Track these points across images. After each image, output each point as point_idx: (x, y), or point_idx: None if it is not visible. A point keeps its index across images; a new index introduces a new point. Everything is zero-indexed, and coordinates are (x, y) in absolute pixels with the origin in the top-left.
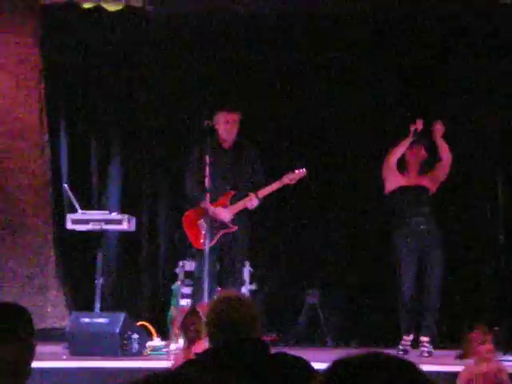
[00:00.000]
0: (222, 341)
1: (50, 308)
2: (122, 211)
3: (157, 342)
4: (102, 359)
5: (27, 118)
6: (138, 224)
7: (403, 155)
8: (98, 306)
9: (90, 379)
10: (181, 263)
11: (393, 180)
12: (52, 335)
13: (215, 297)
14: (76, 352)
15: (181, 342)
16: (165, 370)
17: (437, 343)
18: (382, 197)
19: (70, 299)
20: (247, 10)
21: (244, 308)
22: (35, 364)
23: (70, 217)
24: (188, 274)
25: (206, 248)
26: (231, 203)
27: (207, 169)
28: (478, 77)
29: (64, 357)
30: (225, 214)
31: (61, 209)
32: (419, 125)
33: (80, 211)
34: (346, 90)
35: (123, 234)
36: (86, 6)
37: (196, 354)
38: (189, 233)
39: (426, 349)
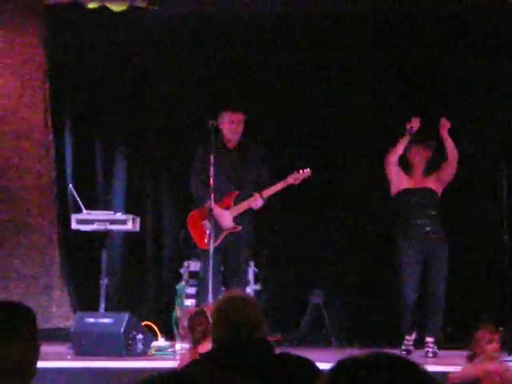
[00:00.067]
0: (226, 341)
1: (55, 308)
2: (127, 211)
3: (161, 342)
4: (106, 359)
5: (32, 118)
6: (143, 224)
7: (407, 157)
8: (102, 306)
9: (95, 379)
10: (185, 263)
11: (397, 182)
12: (57, 335)
13: (220, 297)
14: (81, 352)
15: (186, 342)
16: (170, 370)
17: (441, 344)
18: (386, 198)
19: (75, 299)
20: (247, 9)
21: (248, 308)
22: (40, 364)
23: (74, 217)
24: (193, 274)
25: (211, 248)
26: (235, 203)
27: (212, 169)
28: (478, 77)
29: (69, 357)
30: (227, 220)
31: (65, 209)
32: (414, 123)
33: (85, 211)
34: (347, 89)
35: (128, 234)
36: (91, 6)
37: (201, 354)
38: (193, 233)
39: (430, 349)
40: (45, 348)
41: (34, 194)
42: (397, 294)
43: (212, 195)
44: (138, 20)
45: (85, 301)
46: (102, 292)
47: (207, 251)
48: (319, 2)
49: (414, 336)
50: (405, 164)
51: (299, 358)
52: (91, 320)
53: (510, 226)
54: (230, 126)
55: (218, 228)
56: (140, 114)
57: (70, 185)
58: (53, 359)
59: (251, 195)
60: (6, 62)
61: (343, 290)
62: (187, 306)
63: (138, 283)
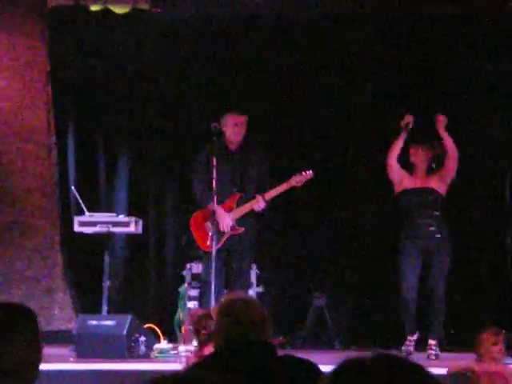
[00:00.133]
0: (229, 343)
1: (58, 310)
2: (130, 213)
3: (164, 344)
4: (109, 361)
5: (34, 120)
6: (145, 226)
7: (409, 157)
8: (105, 308)
9: (97, 381)
10: (188, 265)
11: (399, 181)
12: (59, 337)
13: (222, 299)
14: (83, 354)
15: (188, 344)
16: (173, 372)
17: (444, 346)
18: (387, 198)
19: (77, 301)
20: (247, 10)
21: (251, 310)
22: (42, 366)
23: (77, 219)
24: (195, 277)
25: (213, 250)
26: (238, 205)
27: (214, 171)
28: (478, 77)
29: (71, 359)
30: (226, 222)
31: (68, 211)
32: (407, 119)
33: (87, 213)
34: (347, 90)
35: (130, 237)
36: (94, 8)
37: (203, 357)
38: (196, 235)
39: (433, 352)
40: (47, 350)
41: (36, 195)
42: (398, 295)
43: (215, 197)
44: (141, 22)
45: (87, 303)
46: (105, 294)
47: (210, 253)
48: (319, 2)
49: (416, 337)
50: (408, 164)
51: (302, 360)
52: (94, 322)
53: None
54: (234, 129)
55: (220, 230)
56: (142, 115)
57: (73, 187)
58: (55, 361)
59: (253, 197)
60: (8, 63)
61: (346, 292)
62: (190, 309)
63: (140, 285)
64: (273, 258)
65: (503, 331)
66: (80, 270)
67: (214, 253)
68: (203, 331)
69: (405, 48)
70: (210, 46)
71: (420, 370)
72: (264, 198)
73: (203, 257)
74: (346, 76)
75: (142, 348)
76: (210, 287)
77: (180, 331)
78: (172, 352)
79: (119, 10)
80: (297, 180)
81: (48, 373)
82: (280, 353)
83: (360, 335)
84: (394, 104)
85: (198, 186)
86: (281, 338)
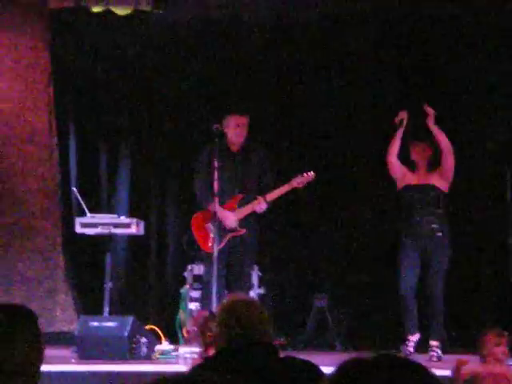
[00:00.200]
0: (230, 344)
1: (59, 311)
2: (131, 215)
3: (165, 345)
4: (110, 363)
5: (36, 122)
6: (147, 228)
7: (410, 154)
8: (106, 309)
9: (99, 383)
10: (189, 267)
11: (401, 178)
12: (61, 339)
13: (224, 300)
14: (85, 356)
15: (190, 345)
16: (174, 373)
17: (446, 348)
18: (388, 199)
19: (79, 303)
20: (247, 10)
21: (252, 312)
22: (44, 368)
23: (78, 220)
24: (197, 278)
25: (215, 251)
26: (239, 206)
27: (215, 172)
28: (478, 77)
29: (73, 360)
30: (231, 219)
31: (70, 212)
32: (401, 115)
33: (89, 215)
34: (347, 90)
35: (132, 238)
36: (95, 9)
37: (205, 358)
38: (197, 236)
39: (435, 353)
40: (49, 352)
41: (38, 197)
42: (397, 295)
43: (216, 198)
44: (142, 23)
45: (89, 304)
46: (106, 295)
47: (211, 254)
48: (319, 2)
49: (417, 337)
50: (409, 162)
51: (303, 361)
52: (95, 324)
53: None
54: (236, 130)
55: (221, 231)
56: (144, 117)
57: (74, 188)
58: (57, 363)
59: (255, 198)
60: (10, 65)
61: (347, 293)
62: (191, 310)
63: (141, 287)
64: (274, 259)
65: (506, 332)
66: (81, 271)
67: (215, 254)
68: (208, 333)
69: (405, 48)
70: (211, 46)
71: (421, 370)
72: (265, 200)
73: (204, 258)
74: (345, 76)
75: (144, 349)
76: (212, 288)
77: (181, 332)
78: (173, 353)
79: (121, 11)
80: (298, 181)
81: (49, 374)
82: (281, 354)
83: (362, 337)
84: (394, 104)
85: (200, 187)
86: (282, 340)
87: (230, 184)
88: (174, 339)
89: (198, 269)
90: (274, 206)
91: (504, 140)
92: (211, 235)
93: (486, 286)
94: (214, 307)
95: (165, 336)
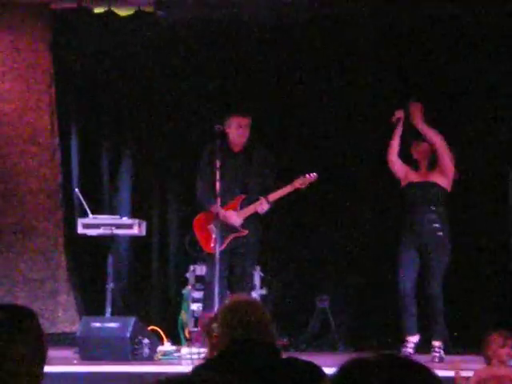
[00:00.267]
0: (232, 345)
1: (61, 312)
2: (133, 215)
3: (167, 346)
4: (112, 364)
5: (38, 122)
6: (149, 228)
7: (411, 153)
8: (108, 310)
9: None
10: (191, 267)
11: (404, 176)
12: (63, 340)
13: (226, 301)
14: (87, 356)
15: (193, 346)
16: (176, 374)
17: (448, 348)
18: (390, 199)
19: (81, 303)
20: (248, 10)
21: (254, 312)
22: (46, 369)
23: (80, 221)
24: (199, 279)
25: (217, 252)
26: (241, 207)
27: (218, 173)
28: (478, 77)
29: (75, 361)
30: (235, 218)
31: (72, 213)
32: (398, 114)
33: (91, 215)
34: (348, 90)
35: (134, 239)
36: (97, 10)
37: (207, 359)
38: (199, 236)
39: (437, 354)
40: (51, 352)
41: (40, 197)
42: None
43: (218, 199)
44: (144, 25)
45: (91, 305)
46: (108, 296)
47: (213, 255)
48: (319, 2)
49: (416, 338)
50: (411, 161)
51: (306, 362)
52: (97, 324)
53: None
54: (238, 131)
55: (224, 232)
56: (146, 117)
57: (76, 189)
58: (59, 364)
59: (257, 199)
60: (12, 66)
61: (350, 294)
62: (193, 311)
63: (144, 287)
64: (276, 259)
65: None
66: (83, 272)
67: (217, 255)
68: (214, 334)
69: (405, 48)
70: (212, 47)
71: (423, 371)
72: (268, 200)
73: (207, 259)
74: (345, 76)
75: (146, 350)
76: (214, 289)
77: (183, 333)
78: (175, 354)
79: (123, 12)
80: (300, 182)
81: (51, 375)
82: (284, 355)
83: (364, 338)
84: (394, 104)
85: (202, 187)
86: (285, 340)
87: (231, 184)
88: (176, 340)
89: (200, 269)
90: (276, 206)
91: (504, 140)
92: (213, 236)
93: (486, 286)
94: (216, 308)
95: (167, 337)
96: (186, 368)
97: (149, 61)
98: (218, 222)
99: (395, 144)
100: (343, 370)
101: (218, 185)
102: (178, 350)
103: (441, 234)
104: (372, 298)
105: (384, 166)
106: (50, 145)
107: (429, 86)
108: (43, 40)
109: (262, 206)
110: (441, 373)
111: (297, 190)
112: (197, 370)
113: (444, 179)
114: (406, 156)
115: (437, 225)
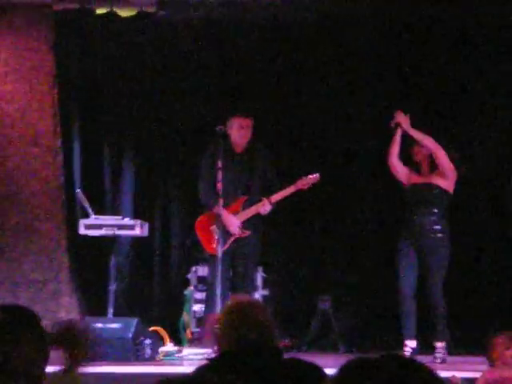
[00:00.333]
0: (233, 346)
1: (64, 313)
2: (135, 216)
3: (169, 347)
4: (114, 364)
5: (40, 124)
6: (151, 229)
7: (413, 156)
8: (110, 311)
9: None
10: (193, 268)
11: (406, 178)
12: None
13: (228, 302)
14: (88, 357)
15: (194, 346)
16: (178, 375)
17: (450, 349)
18: (391, 200)
19: (83, 304)
20: (248, 10)
21: (256, 313)
22: (48, 369)
23: (82, 222)
24: (201, 280)
25: (219, 253)
26: (244, 208)
27: (220, 174)
28: (478, 77)
29: None
30: (234, 226)
31: (74, 214)
32: (398, 118)
33: (93, 216)
34: (348, 90)
35: (136, 240)
36: (99, 11)
37: (209, 359)
38: (201, 237)
39: (439, 355)
40: (53, 353)
41: (42, 199)
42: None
43: (220, 200)
44: (146, 25)
45: (93, 306)
46: (111, 297)
47: (215, 256)
48: (319, 2)
49: (414, 343)
50: (412, 164)
51: (307, 363)
52: (99, 325)
53: None
54: (240, 132)
55: (226, 233)
56: (148, 118)
57: (79, 190)
58: (60, 364)
59: (259, 200)
60: (14, 67)
61: (351, 295)
62: (195, 311)
63: (146, 288)
64: (278, 260)
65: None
66: (86, 273)
67: (219, 256)
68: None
69: (405, 48)
70: (213, 47)
71: (425, 371)
72: (270, 201)
73: (209, 260)
74: (345, 76)
75: (148, 351)
76: (216, 290)
77: (185, 334)
78: (177, 355)
79: (125, 13)
80: (303, 183)
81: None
82: (285, 356)
83: (365, 339)
84: (394, 104)
85: (204, 188)
86: (286, 341)
87: (233, 185)
88: (178, 341)
89: (203, 270)
90: (278, 207)
91: (504, 140)
92: (216, 237)
93: (486, 287)
94: (219, 309)
95: (169, 337)
96: (187, 369)
97: (151, 62)
98: (220, 223)
99: (395, 146)
100: (344, 371)
101: (219, 186)
102: (180, 351)
103: (441, 235)
104: (373, 298)
105: (384, 167)
106: (52, 146)
107: (429, 86)
108: (46, 41)
109: (265, 207)
110: (443, 374)
111: (299, 191)
112: (199, 370)
113: (445, 181)
114: (407, 159)
115: (438, 226)
